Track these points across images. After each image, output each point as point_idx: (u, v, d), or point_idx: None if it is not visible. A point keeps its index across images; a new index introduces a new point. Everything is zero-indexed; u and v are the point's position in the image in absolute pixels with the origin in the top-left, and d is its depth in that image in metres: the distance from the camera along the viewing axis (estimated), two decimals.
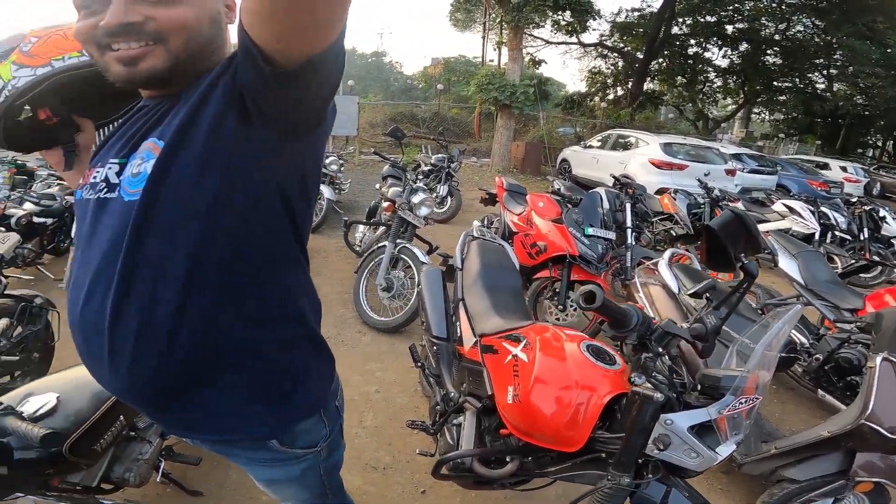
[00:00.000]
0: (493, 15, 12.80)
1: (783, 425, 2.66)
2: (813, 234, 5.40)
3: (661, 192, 5.73)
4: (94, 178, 0.76)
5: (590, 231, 3.11)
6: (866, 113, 19.25)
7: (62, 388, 1.18)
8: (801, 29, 17.16)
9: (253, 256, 0.73)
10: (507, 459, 1.39)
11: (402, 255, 3.22)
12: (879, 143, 23.11)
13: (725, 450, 1.05)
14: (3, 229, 3.03)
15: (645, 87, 18.64)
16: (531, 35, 15.23)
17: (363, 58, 38.75)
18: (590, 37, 17.59)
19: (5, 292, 2.08)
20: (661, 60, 18.73)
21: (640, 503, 1.13)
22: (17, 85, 0.81)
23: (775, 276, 4.99)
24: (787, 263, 3.14)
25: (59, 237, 3.84)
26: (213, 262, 0.69)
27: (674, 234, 4.68)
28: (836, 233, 5.54)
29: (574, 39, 17.52)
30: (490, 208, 4.92)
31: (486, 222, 4.58)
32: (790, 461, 1.93)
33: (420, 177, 5.56)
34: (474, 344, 1.66)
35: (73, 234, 2.99)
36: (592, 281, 3.13)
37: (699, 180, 4.87)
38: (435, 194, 5.71)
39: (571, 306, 3.20)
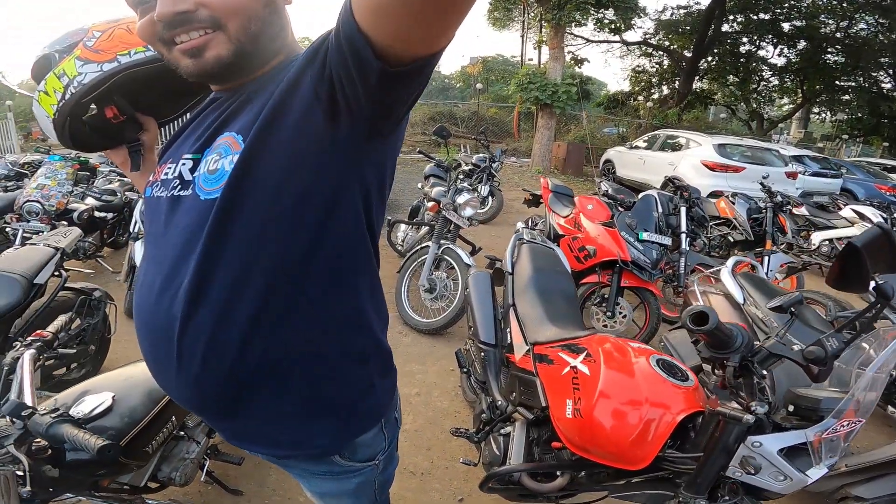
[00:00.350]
0: (533, 14, 12.56)
1: (851, 442, 2.44)
2: None
3: (714, 195, 5.44)
4: (166, 174, 0.73)
5: (644, 236, 2.94)
6: None
7: (118, 387, 1.17)
8: (864, 27, 16.12)
9: (331, 263, 0.68)
10: (558, 473, 1.34)
11: (446, 256, 3.16)
12: None
13: (817, 472, 1.00)
14: (65, 223, 3.19)
15: (694, 85, 17.90)
16: (572, 34, 14.93)
17: None
18: (633, 35, 17.09)
19: (66, 285, 2.15)
20: (710, 59, 17.93)
21: None
22: (84, 81, 0.77)
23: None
24: None
25: (118, 231, 4.04)
26: (293, 267, 0.65)
27: (731, 241, 4.39)
28: None
29: (617, 38, 17.06)
30: (533, 210, 4.79)
31: (530, 224, 4.46)
32: (859, 479, 1.83)
33: (461, 177, 5.50)
34: (526, 352, 1.59)
35: (131, 229, 3.10)
36: (645, 288, 2.97)
37: (761, 183, 4.54)
38: (476, 194, 5.63)
39: (620, 313, 3.04)
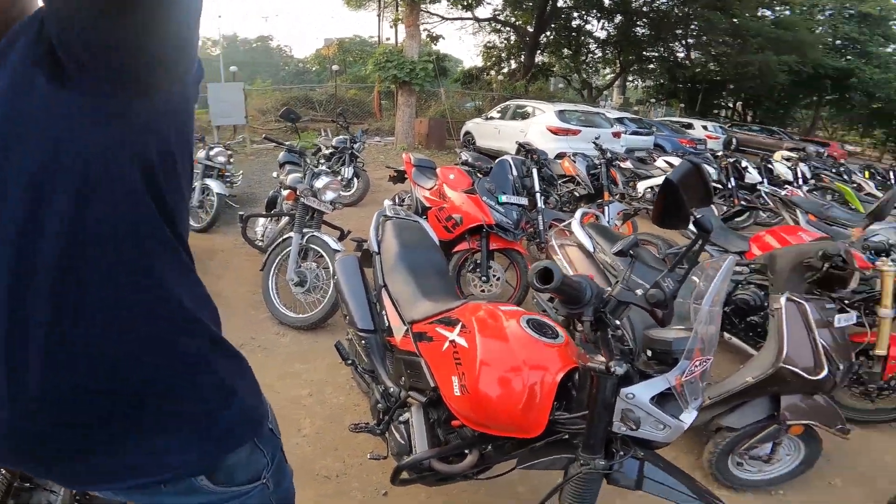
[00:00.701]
0: None
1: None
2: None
3: (560, 156, 5.98)
4: None
5: (503, 199, 3.10)
6: (718, 78, 21.97)
7: None
8: (664, 0, 18.74)
9: (118, 251, 0.57)
10: (466, 452, 1.28)
11: (312, 245, 2.95)
12: (731, 105, 26.65)
13: (689, 417, 1.01)
14: None
15: (536, 59, 19.45)
16: (427, 11, 15.05)
17: (247, 43, 35.90)
18: (484, 11, 17.88)
19: None
20: (549, 33, 19.59)
21: (616, 482, 1.07)
22: None
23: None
24: None
25: None
26: (60, 261, 0.54)
27: (577, 195, 4.91)
28: (711, 184, 6.24)
29: (469, 15, 17.67)
30: (400, 186, 4.76)
31: (397, 200, 4.42)
32: (724, 410, 1.93)
33: (322, 161, 5.20)
34: (405, 333, 1.53)
35: None
36: (512, 248, 3.14)
37: (594, 143, 5.13)
38: (340, 177, 5.39)
39: (494, 276, 3.19)
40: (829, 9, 21.98)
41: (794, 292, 1.93)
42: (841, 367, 1.83)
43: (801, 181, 6.34)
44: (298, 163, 3.85)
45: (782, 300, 1.88)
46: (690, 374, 1.00)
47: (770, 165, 6.72)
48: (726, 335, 2.79)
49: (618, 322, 1.03)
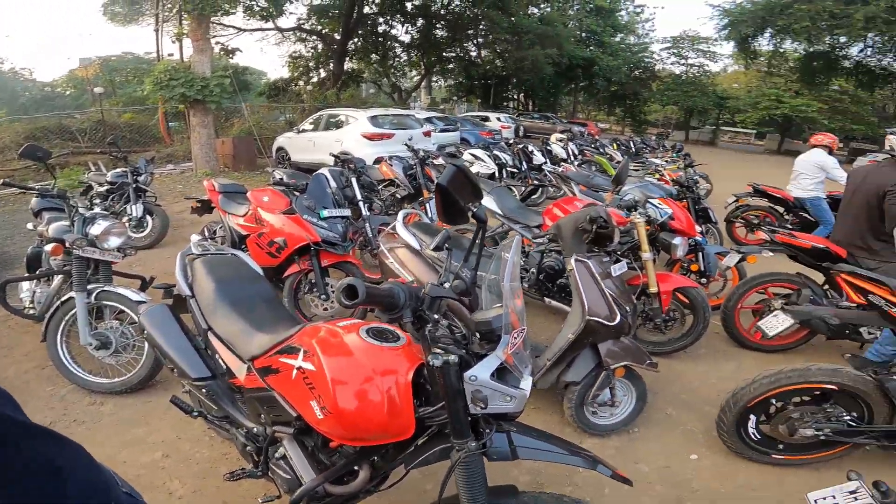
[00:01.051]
0: (170, 4, 10.61)
1: (539, 338, 3.12)
2: (494, 173, 6.85)
3: (377, 161, 6.16)
4: None
5: (325, 213, 3.06)
6: (504, 73, 25.15)
7: None
8: (459, 3, 20.35)
9: None
10: (356, 468, 1.27)
11: (106, 302, 2.47)
12: (516, 97, 30.85)
13: (527, 383, 1.12)
14: None
15: (346, 66, 19.43)
16: (220, 24, 13.60)
17: None
18: (287, 21, 17.05)
19: None
20: (356, 40, 19.73)
21: (494, 457, 1.15)
22: None
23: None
24: (486, 200, 3.85)
25: None
26: None
27: (399, 197, 5.13)
28: (507, 169, 7.20)
29: (270, 25, 16.63)
30: (208, 217, 4.28)
31: (206, 233, 3.97)
32: (563, 368, 2.18)
33: (97, 200, 4.33)
34: (248, 371, 1.44)
35: None
36: (345, 261, 3.13)
37: (406, 144, 5.42)
38: (127, 217, 4.57)
39: (333, 293, 3.14)
40: (577, 4, 27.03)
41: (579, 253, 2.30)
42: (629, 309, 2.22)
43: (572, 158, 7.77)
44: (61, 208, 3.14)
45: (572, 261, 2.23)
46: (514, 345, 1.11)
47: (549, 147, 8.07)
48: (546, 300, 3.20)
49: (437, 316, 1.11)
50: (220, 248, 2.06)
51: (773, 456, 2.13)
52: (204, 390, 1.64)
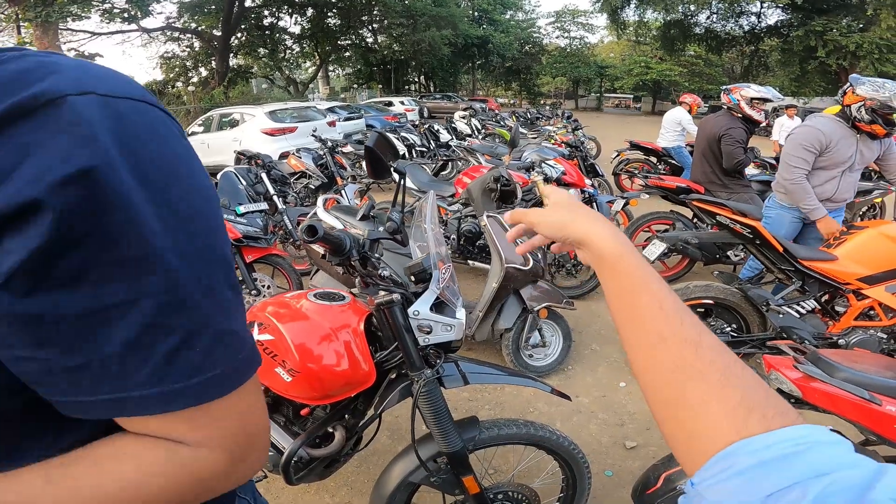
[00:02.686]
0: (6, 13, 9.05)
1: (470, 298, 3.31)
2: (403, 154, 7.02)
3: (284, 156, 6.03)
4: None
5: (241, 209, 3.06)
6: (402, 57, 25.09)
7: None
8: None
9: None
10: (331, 430, 1.35)
11: None
12: (417, 79, 30.94)
13: (461, 313, 1.30)
14: None
15: (231, 63, 18.14)
16: (71, 29, 12.00)
17: None
18: (154, 21, 15.39)
19: None
20: (239, 35, 18.45)
21: (448, 385, 1.32)
22: None
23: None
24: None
25: None
26: None
27: (313, 188, 5.12)
28: (417, 149, 7.40)
29: (134, 27, 14.93)
30: None
31: None
32: (495, 316, 2.39)
33: None
34: None
35: None
36: (270, 254, 3.16)
37: (314, 136, 5.38)
38: None
39: (263, 286, 3.16)
40: None
41: (489, 210, 2.58)
42: (539, 255, 2.49)
43: (476, 133, 8.16)
44: None
45: (485, 219, 2.49)
46: (444, 279, 1.29)
47: (454, 125, 8.37)
48: (470, 262, 3.49)
49: (378, 255, 1.27)
50: None
51: None
52: None
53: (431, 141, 7.63)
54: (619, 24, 26.03)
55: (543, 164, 3.77)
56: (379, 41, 24.35)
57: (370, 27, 23.13)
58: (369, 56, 24.43)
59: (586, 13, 30.72)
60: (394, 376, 1.37)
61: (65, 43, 9.93)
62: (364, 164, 3.81)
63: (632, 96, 31.80)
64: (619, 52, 34.63)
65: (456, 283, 1.40)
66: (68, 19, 8.84)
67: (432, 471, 1.31)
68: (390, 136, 1.69)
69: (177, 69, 18.57)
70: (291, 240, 3.86)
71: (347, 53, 24.68)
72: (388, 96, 20.01)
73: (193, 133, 9.12)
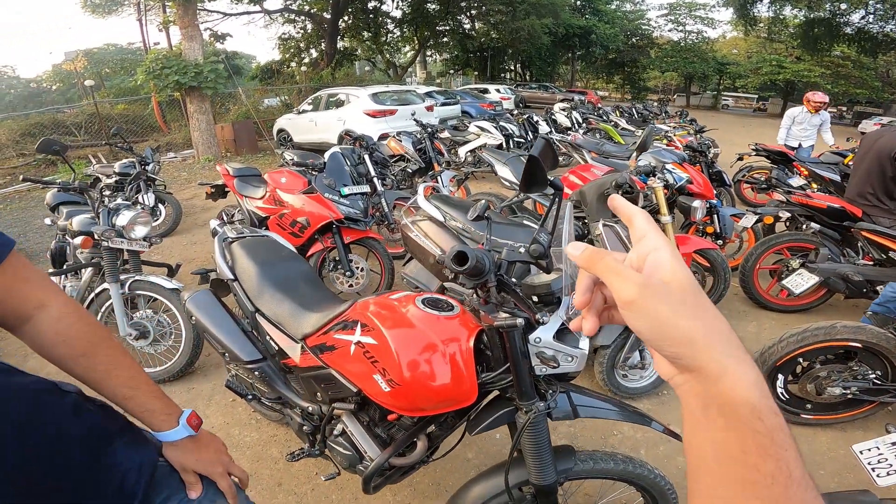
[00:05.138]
0: None
1: None
2: (501, 144, 6.78)
3: (383, 137, 6.10)
4: None
5: (346, 191, 3.06)
6: (499, 45, 24.65)
7: None
8: None
9: None
10: (416, 440, 1.31)
11: (140, 291, 2.51)
12: (513, 67, 30.26)
13: (585, 343, 1.13)
14: None
15: (338, 45, 19.06)
16: (206, 10, 13.31)
17: None
18: (274, 2, 16.70)
19: None
20: (346, 18, 19.28)
21: (557, 417, 1.20)
22: None
23: (492, 182, 6.12)
24: (503, 170, 3.84)
25: None
26: None
27: (410, 171, 5.10)
28: (514, 139, 7.12)
29: (257, 8, 16.25)
30: (223, 201, 4.28)
31: (225, 218, 3.98)
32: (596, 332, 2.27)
33: (108, 193, 4.32)
34: (302, 350, 1.46)
35: None
36: (367, 237, 3.15)
37: (414, 119, 5.36)
38: (141, 206, 4.57)
39: (357, 268, 3.17)
40: None
41: (604, 218, 2.33)
42: None
43: (576, 126, 7.67)
44: (79, 201, 3.15)
45: (599, 226, 2.27)
46: (573, 308, 1.15)
47: (553, 116, 7.95)
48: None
49: (514, 280, 1.14)
50: (253, 230, 2.08)
51: (803, 416, 2.16)
52: (256, 373, 1.67)
53: (529, 132, 7.30)
54: (748, 19, 23.24)
55: (664, 170, 3.35)
56: (476, 28, 24.11)
57: (468, 13, 22.95)
58: (466, 42, 24.28)
59: (706, 7, 27.83)
60: (494, 396, 1.25)
61: (202, 23, 10.89)
62: (475, 165, 3.64)
63: (755, 96, 28.42)
64: (745, 49, 31.05)
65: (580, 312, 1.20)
66: (205, 0, 9.69)
67: (516, 499, 1.19)
68: (554, 144, 1.55)
69: (292, 50, 19.78)
70: (386, 223, 3.86)
71: (445, 39, 24.74)
72: (483, 83, 19.75)
73: (304, 111, 9.65)
